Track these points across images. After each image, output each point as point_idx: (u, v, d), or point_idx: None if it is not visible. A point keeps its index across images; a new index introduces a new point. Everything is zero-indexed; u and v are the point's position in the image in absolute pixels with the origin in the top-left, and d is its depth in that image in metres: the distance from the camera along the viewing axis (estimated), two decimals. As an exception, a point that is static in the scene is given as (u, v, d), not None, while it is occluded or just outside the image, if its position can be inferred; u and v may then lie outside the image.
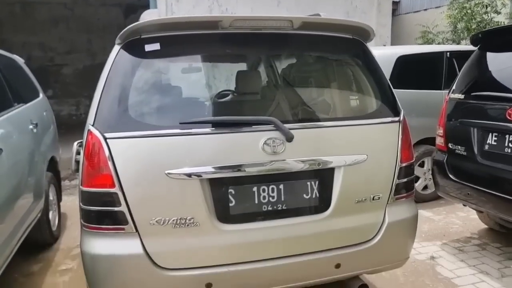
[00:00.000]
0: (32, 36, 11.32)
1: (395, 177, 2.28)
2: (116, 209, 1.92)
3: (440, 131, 3.66)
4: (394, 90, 4.65)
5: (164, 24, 2.07)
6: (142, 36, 2.08)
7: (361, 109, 2.43)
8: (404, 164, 2.30)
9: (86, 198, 1.97)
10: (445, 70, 5.01)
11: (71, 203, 5.13)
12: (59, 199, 4.36)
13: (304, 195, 2.13)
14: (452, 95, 3.59)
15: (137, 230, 1.94)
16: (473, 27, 7.77)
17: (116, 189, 1.91)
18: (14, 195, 2.95)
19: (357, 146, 2.19)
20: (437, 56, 5.06)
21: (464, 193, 3.38)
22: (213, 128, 2.01)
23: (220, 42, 2.21)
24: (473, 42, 3.62)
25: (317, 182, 2.14)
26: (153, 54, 2.09)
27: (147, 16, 2.25)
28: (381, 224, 2.28)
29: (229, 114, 2.20)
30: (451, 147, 3.51)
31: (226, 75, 2.89)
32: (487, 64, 3.51)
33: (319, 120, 2.23)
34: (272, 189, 2.07)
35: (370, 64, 2.41)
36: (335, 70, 2.59)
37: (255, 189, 2.05)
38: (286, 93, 2.51)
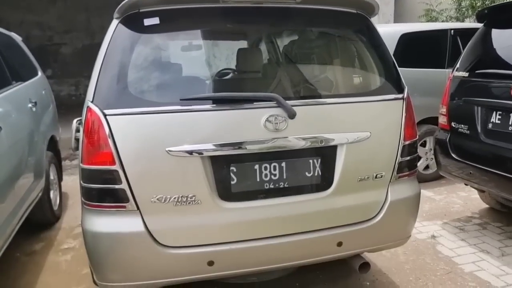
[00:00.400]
0: (30, 14, 11.16)
1: (398, 155, 2.25)
2: (116, 186, 1.90)
3: (443, 110, 3.62)
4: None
5: (164, -3, 2.01)
6: (141, 10, 2.02)
7: (365, 85, 2.39)
8: (407, 142, 2.27)
9: (87, 176, 1.95)
10: (448, 48, 4.94)
11: (72, 183, 5.12)
12: (60, 178, 4.35)
13: (306, 173, 2.11)
14: (456, 73, 3.54)
15: (138, 208, 1.93)
16: (478, 4, 7.65)
17: (116, 167, 1.89)
18: (14, 174, 2.94)
19: (360, 123, 2.16)
20: (441, 34, 4.98)
21: (466, 172, 3.36)
22: (214, 105, 1.97)
23: (221, 16, 2.16)
24: (478, 18, 3.55)
25: (319, 160, 2.11)
26: (152, 29, 2.04)
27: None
28: (383, 202, 2.26)
29: (231, 91, 2.16)
30: (454, 126, 3.48)
31: (227, 51, 2.84)
32: (493, 41, 3.44)
33: (321, 97, 2.19)
34: (274, 167, 2.05)
35: (374, 40, 2.37)
36: (339, 46, 2.53)
37: (256, 166, 2.03)
38: (288, 69, 2.46)
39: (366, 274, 2.96)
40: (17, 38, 4.29)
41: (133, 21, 2.02)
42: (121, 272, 2.02)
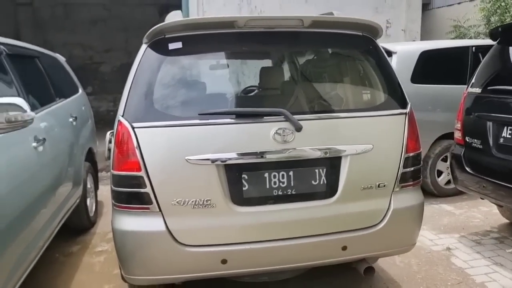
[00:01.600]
0: (73, 36, 11.94)
1: (401, 166, 2.41)
2: (142, 190, 2.16)
3: (458, 125, 3.72)
4: (418, 85, 4.74)
5: (186, 24, 2.29)
6: (166, 36, 2.31)
7: (369, 101, 2.57)
8: (409, 154, 2.43)
9: (117, 181, 2.22)
10: (470, 64, 5.00)
11: (107, 193, 5.42)
12: (96, 187, 4.71)
13: (313, 181, 2.30)
14: (470, 89, 3.65)
15: (160, 210, 2.18)
16: (507, 20, 7.62)
17: (142, 173, 2.15)
18: (56, 181, 3.26)
19: (364, 136, 2.34)
20: (462, 51, 5.06)
21: (480, 186, 3.44)
22: (228, 119, 2.22)
23: (236, 40, 2.42)
24: (492, 36, 3.65)
25: (324, 170, 2.30)
26: (176, 52, 2.32)
27: (172, 17, 2.48)
28: (386, 210, 2.42)
29: (245, 106, 2.40)
30: (468, 140, 3.57)
31: (242, 71, 3.10)
32: (506, 58, 3.54)
33: (328, 112, 2.39)
34: (283, 175, 2.26)
35: (379, 59, 2.55)
36: (346, 65, 2.74)
37: (266, 175, 2.25)
38: (298, 86, 2.68)
39: (377, 282, 3.11)
40: (61, 58, 4.73)
41: (159, 45, 2.31)
42: (144, 267, 2.26)
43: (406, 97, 2.53)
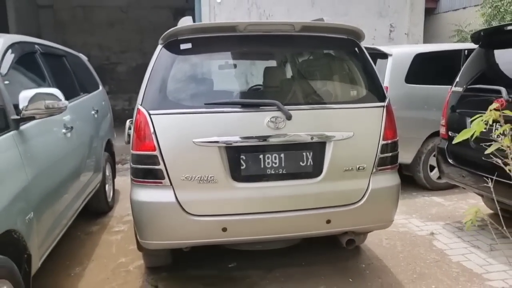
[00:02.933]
0: (91, 37, 12.47)
1: (378, 152, 2.78)
2: (156, 167, 2.58)
3: (443, 121, 4.08)
4: (411, 85, 5.09)
5: (195, 28, 2.72)
6: (179, 38, 2.73)
7: (352, 95, 2.96)
8: (386, 142, 2.81)
9: (135, 159, 2.64)
10: (462, 66, 5.32)
11: (123, 183, 5.94)
12: (114, 175, 5.15)
13: (301, 163, 2.69)
14: (454, 89, 4.01)
15: (171, 184, 2.59)
16: (510, 23, 7.89)
17: (156, 153, 2.56)
18: (80, 166, 3.69)
19: (346, 125, 2.73)
20: (454, 53, 5.38)
21: (460, 175, 3.79)
22: (230, 108, 2.63)
23: (238, 42, 2.83)
24: (474, 40, 4.00)
25: (311, 153, 2.70)
26: (187, 52, 2.74)
27: (183, 22, 2.90)
28: (365, 189, 2.79)
29: (244, 97, 2.80)
30: (451, 134, 3.93)
31: (244, 68, 3.52)
32: (486, 60, 3.89)
33: (315, 103, 2.79)
34: (275, 157, 2.66)
35: (362, 59, 2.93)
36: (333, 64, 3.13)
37: (261, 156, 2.65)
38: (291, 81, 3.07)
39: (364, 259, 3.49)
40: (84, 58, 5.19)
41: (172, 46, 2.73)
42: (157, 233, 2.67)
43: (385, 92, 2.90)
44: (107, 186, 4.74)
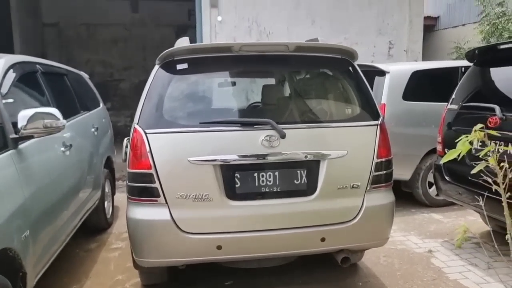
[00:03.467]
0: (95, 54, 12.67)
1: (372, 170, 2.81)
2: (152, 185, 2.61)
3: (439, 138, 4.10)
4: (409, 102, 5.13)
5: (191, 49, 2.78)
6: (175, 58, 2.79)
7: (346, 114, 3.00)
8: (380, 160, 2.83)
9: (131, 177, 2.67)
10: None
11: (123, 199, 5.93)
12: (113, 192, 5.18)
13: (295, 181, 2.72)
14: (450, 106, 4.04)
15: (166, 202, 2.61)
16: (504, 41, 7.97)
17: (152, 171, 2.60)
18: (78, 183, 3.73)
19: (340, 143, 2.76)
20: (451, 71, 5.42)
21: (457, 192, 3.80)
22: (224, 127, 2.67)
23: (234, 62, 2.89)
24: (468, 58, 4.05)
25: (305, 171, 2.72)
26: (183, 72, 2.80)
27: (180, 43, 2.97)
28: (360, 207, 2.81)
29: (239, 117, 2.85)
30: (447, 152, 3.94)
31: (239, 87, 3.58)
32: (480, 78, 3.93)
33: (309, 122, 2.83)
34: (269, 175, 2.69)
35: (356, 78, 2.98)
36: (327, 83, 3.18)
37: (255, 174, 2.68)
38: (286, 100, 3.12)
39: (361, 277, 3.48)
40: (85, 76, 5.28)
41: (169, 66, 2.79)
42: (152, 251, 2.69)
43: (379, 110, 2.94)
44: (106, 202, 4.76)
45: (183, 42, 2.98)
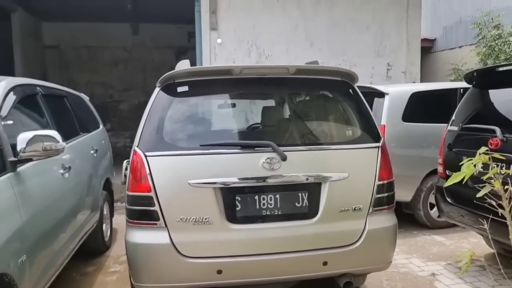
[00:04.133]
0: (95, 75, 12.76)
1: (374, 192, 2.78)
2: (151, 208, 2.58)
3: (440, 160, 4.09)
4: (408, 124, 5.13)
5: (191, 72, 2.79)
6: (176, 81, 2.80)
7: (347, 136, 2.99)
8: (382, 182, 2.81)
9: (130, 200, 2.64)
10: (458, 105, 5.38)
11: (121, 221, 5.89)
12: (111, 214, 5.13)
13: (296, 204, 2.69)
14: (450, 127, 4.04)
15: (166, 225, 2.58)
16: (502, 64, 8.05)
17: (152, 194, 2.57)
18: (77, 205, 3.69)
19: (341, 165, 2.74)
20: (450, 92, 5.45)
21: (459, 214, 3.76)
22: (225, 149, 2.65)
23: (234, 84, 2.89)
24: (467, 80, 4.07)
25: (306, 194, 2.70)
26: (183, 94, 2.80)
27: (180, 65, 2.98)
28: (362, 230, 2.77)
29: (240, 139, 2.84)
30: (448, 174, 3.93)
31: (240, 110, 3.58)
32: (479, 100, 3.94)
33: (310, 144, 2.82)
34: (270, 198, 2.66)
35: (356, 100, 2.98)
36: (327, 105, 3.18)
37: (256, 197, 2.65)
38: (286, 122, 3.11)
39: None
40: (85, 98, 5.29)
41: (169, 89, 2.79)
42: (152, 275, 2.63)
43: (380, 132, 2.93)
44: (104, 225, 4.70)
45: (183, 65, 2.99)
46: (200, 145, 2.65)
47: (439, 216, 5.32)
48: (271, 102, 3.20)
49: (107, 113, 12.39)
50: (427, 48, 11.74)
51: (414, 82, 8.43)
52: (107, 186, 4.93)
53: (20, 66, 9.92)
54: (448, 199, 3.91)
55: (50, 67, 12.39)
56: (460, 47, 11.15)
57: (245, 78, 2.81)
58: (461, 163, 1.85)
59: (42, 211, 2.79)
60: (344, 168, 2.73)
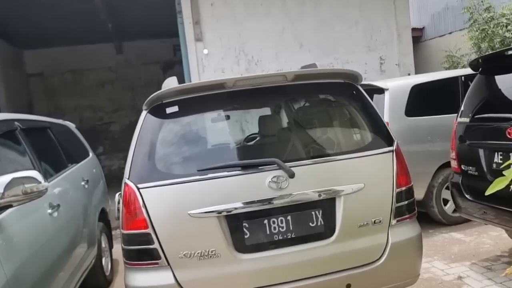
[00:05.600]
0: (83, 99, 12.47)
1: (394, 201, 2.52)
2: (150, 247, 2.30)
3: (453, 154, 3.84)
4: (412, 118, 4.89)
5: (180, 90, 2.52)
6: (164, 101, 2.53)
7: (357, 142, 2.73)
8: (401, 189, 2.55)
9: (126, 239, 2.37)
10: (461, 93, 5.15)
11: (121, 251, 5.61)
12: (110, 246, 4.84)
13: (310, 223, 2.42)
14: (460, 119, 3.80)
15: (168, 264, 2.30)
16: (496, 46, 7.85)
17: (149, 230, 2.30)
18: (71, 244, 3.40)
19: (355, 176, 2.48)
20: (452, 81, 5.22)
21: (481, 212, 3.51)
22: (226, 172, 2.38)
23: (229, 98, 2.63)
24: (473, 67, 3.84)
25: (321, 211, 2.43)
26: (173, 115, 2.53)
27: (168, 83, 2.71)
28: (385, 244, 2.51)
29: (240, 158, 2.58)
30: (464, 168, 3.68)
31: (237, 126, 3.31)
32: (488, 87, 3.70)
33: (318, 156, 2.54)
34: (281, 220, 2.39)
35: (362, 102, 2.73)
36: (332, 111, 2.92)
37: (266, 221, 2.38)
38: (289, 134, 2.85)
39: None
40: (71, 125, 5.01)
41: (157, 111, 2.53)
42: (158, 322, 2.35)
43: (392, 134, 2.68)
44: (103, 259, 4.41)
45: (170, 82, 2.73)
46: (198, 170, 2.38)
47: (453, 212, 5.10)
48: (270, 114, 2.94)
49: (99, 136, 12.11)
50: (417, 37, 11.55)
51: (409, 74, 8.22)
52: (103, 216, 4.65)
53: (3, 98, 9.62)
54: (467, 195, 3.66)
55: (35, 96, 12.09)
56: (450, 33, 10.97)
57: (239, 90, 2.55)
58: (504, 166, 1.59)
59: (30, 261, 2.51)
60: (359, 178, 2.47)
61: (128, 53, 12.48)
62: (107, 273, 4.45)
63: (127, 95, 12.70)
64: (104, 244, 4.51)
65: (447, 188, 5.06)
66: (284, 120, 2.95)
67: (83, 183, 4.14)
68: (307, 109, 3.01)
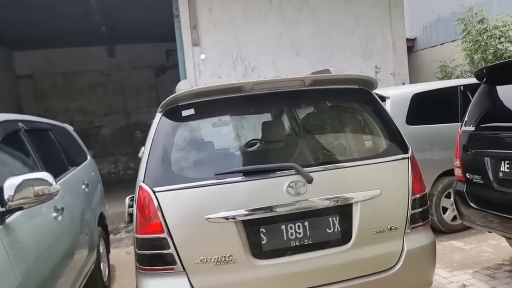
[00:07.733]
0: (73, 102, 12.26)
1: (409, 208, 2.52)
2: (166, 251, 2.25)
3: (457, 163, 3.86)
4: (413, 126, 4.92)
5: (197, 93, 2.48)
6: (179, 104, 2.49)
7: (373, 149, 2.72)
8: (416, 196, 2.55)
9: (140, 244, 2.31)
10: (460, 103, 5.22)
11: (117, 256, 5.53)
12: (108, 251, 4.74)
13: (327, 230, 2.40)
14: (464, 128, 3.83)
15: (184, 269, 2.25)
16: (489, 58, 8.00)
17: (165, 235, 2.25)
18: (72, 249, 3.31)
19: (371, 182, 2.47)
20: (451, 90, 5.29)
21: (485, 220, 3.53)
22: (243, 176, 2.35)
23: (245, 102, 2.60)
24: (477, 77, 3.88)
25: (337, 217, 2.41)
26: (189, 118, 2.49)
27: (182, 87, 2.67)
28: (400, 251, 2.50)
29: (257, 162, 2.54)
30: (468, 177, 3.70)
31: (253, 129, 3.27)
32: (493, 97, 3.75)
33: (335, 162, 2.53)
34: (298, 226, 2.36)
35: (377, 109, 2.73)
36: (347, 116, 2.92)
37: (283, 227, 2.35)
38: (306, 139, 2.83)
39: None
40: (69, 128, 4.91)
41: (173, 113, 2.48)
42: (172, 329, 2.29)
43: (407, 142, 2.68)
44: (102, 264, 4.32)
45: (184, 85, 2.70)
46: (215, 175, 2.34)
47: (452, 220, 5.15)
48: (288, 120, 2.92)
49: (88, 140, 11.88)
50: (409, 47, 11.66)
51: (403, 83, 8.31)
52: (101, 221, 4.55)
53: (-7, 99, 9.43)
54: (472, 204, 3.68)
55: (25, 98, 11.87)
56: (442, 44, 11.15)
57: (257, 94, 2.52)
58: None
59: (37, 265, 2.44)
60: (375, 184, 2.47)
61: (120, 57, 12.34)
62: (105, 279, 4.35)
63: (118, 99, 12.54)
64: (102, 249, 4.41)
65: (446, 196, 5.11)
66: (301, 125, 2.93)
67: (83, 186, 4.05)
68: (323, 115, 3.00)
